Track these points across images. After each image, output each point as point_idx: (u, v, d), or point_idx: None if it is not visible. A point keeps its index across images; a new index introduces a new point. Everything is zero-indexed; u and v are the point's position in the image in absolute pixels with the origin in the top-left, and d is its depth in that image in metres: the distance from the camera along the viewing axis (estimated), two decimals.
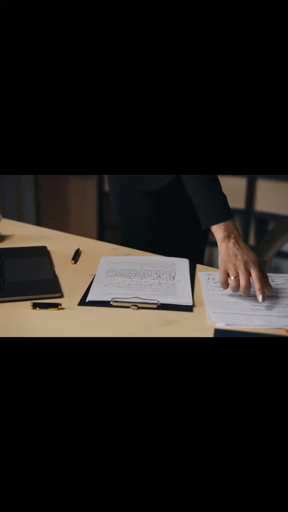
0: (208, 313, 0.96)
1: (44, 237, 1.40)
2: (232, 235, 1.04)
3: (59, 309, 0.98)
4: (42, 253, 1.24)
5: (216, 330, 0.88)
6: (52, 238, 1.40)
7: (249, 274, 0.99)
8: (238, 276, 0.99)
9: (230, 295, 1.03)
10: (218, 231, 1.05)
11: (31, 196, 3.04)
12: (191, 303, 1.00)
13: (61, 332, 0.90)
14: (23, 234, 1.42)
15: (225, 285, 1.01)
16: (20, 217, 2.92)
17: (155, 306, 0.99)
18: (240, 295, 1.01)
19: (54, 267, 1.19)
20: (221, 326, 0.91)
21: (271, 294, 1.03)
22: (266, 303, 0.99)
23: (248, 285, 0.98)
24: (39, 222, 3.10)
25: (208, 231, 1.44)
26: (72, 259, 1.22)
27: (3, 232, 1.40)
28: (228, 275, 1.01)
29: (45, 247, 1.28)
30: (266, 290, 1.00)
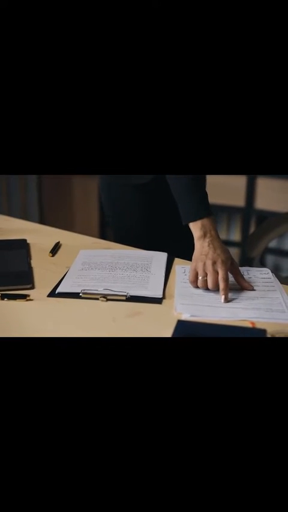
0: (175, 305, 0.95)
1: (28, 230, 1.40)
2: (208, 235, 1.03)
3: (27, 300, 0.98)
4: (20, 246, 1.24)
5: (179, 322, 0.88)
6: (37, 232, 1.40)
7: (217, 274, 0.98)
8: (207, 276, 0.99)
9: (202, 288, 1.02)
10: (194, 229, 1.05)
11: (35, 195, 3.06)
12: (160, 296, 1.00)
13: (26, 323, 0.91)
14: (9, 228, 1.43)
15: (194, 284, 1.01)
16: (25, 216, 2.94)
17: (124, 298, 0.98)
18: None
19: (31, 259, 1.19)
20: (186, 317, 0.90)
21: (237, 288, 1.02)
22: (234, 296, 0.98)
23: (214, 286, 0.98)
24: (42, 221, 3.11)
25: None
26: (50, 252, 1.23)
27: None
28: (197, 274, 1.01)
29: (25, 240, 1.28)
30: (248, 288, 1.01)
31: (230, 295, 0.98)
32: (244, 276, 1.06)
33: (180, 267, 1.13)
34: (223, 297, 0.96)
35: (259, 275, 1.08)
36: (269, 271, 1.10)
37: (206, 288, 1.00)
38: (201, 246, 1.03)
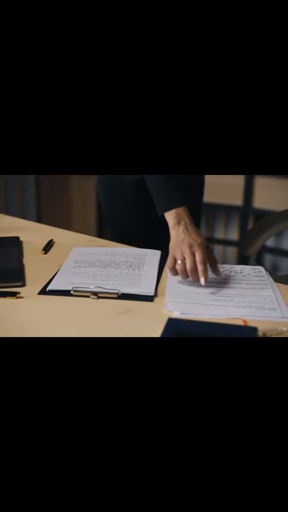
0: (165, 303, 0.94)
1: (23, 228, 1.40)
2: (182, 222, 1.05)
3: (18, 297, 0.97)
4: (13, 243, 1.23)
5: (169, 320, 0.87)
6: (31, 230, 1.39)
7: (195, 257, 0.99)
8: (185, 260, 1.00)
9: (194, 285, 1.00)
10: (169, 218, 1.07)
11: (33, 194, 3.04)
12: (152, 293, 0.99)
13: (15, 321, 0.90)
14: (3, 225, 1.42)
15: (173, 271, 1.01)
16: (22, 215, 2.93)
17: (116, 295, 0.97)
18: (203, 286, 0.99)
19: (23, 257, 1.18)
20: (176, 314, 0.89)
21: (220, 281, 1.02)
22: (227, 293, 0.97)
23: (194, 268, 0.98)
24: (40, 219, 3.10)
25: (197, 223, 1.43)
26: (42, 249, 1.22)
27: None
28: (175, 261, 1.01)
29: (17, 238, 1.27)
30: (217, 275, 1.03)
31: (221, 292, 0.97)
32: (238, 275, 1.05)
33: None
34: (202, 279, 0.97)
35: (253, 273, 1.07)
36: (263, 269, 1.09)
37: (190, 278, 1.00)
38: (177, 234, 1.04)
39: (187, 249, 0.99)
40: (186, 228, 1.03)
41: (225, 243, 2.93)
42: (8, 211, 2.85)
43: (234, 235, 2.90)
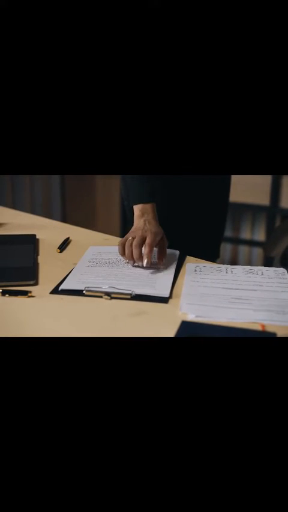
0: (180, 305, 0.90)
1: (41, 226, 1.38)
2: (146, 215, 1.11)
3: (29, 296, 0.94)
4: (29, 241, 1.21)
5: (183, 323, 0.82)
6: (49, 228, 1.37)
7: (144, 240, 1.05)
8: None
9: (211, 287, 0.96)
10: (135, 210, 1.13)
11: (57, 193, 3.04)
12: (167, 295, 0.95)
13: (25, 320, 0.87)
14: (19, 223, 1.41)
15: (121, 247, 1.08)
16: (48, 214, 2.92)
17: (129, 296, 0.94)
18: (222, 288, 0.95)
19: (38, 255, 1.16)
20: (191, 317, 0.85)
21: (239, 283, 0.98)
22: (245, 296, 0.92)
23: (138, 245, 1.04)
24: (65, 219, 3.10)
25: (223, 222, 1.46)
26: (58, 248, 1.19)
27: None
28: (127, 239, 1.08)
29: (34, 236, 1.25)
30: (157, 263, 1.07)
31: (240, 294, 0.92)
32: (259, 277, 1.01)
33: (192, 265, 1.08)
34: (145, 260, 1.03)
35: (274, 275, 1.02)
36: (285, 271, 1.04)
37: (216, 285, 0.95)
38: (137, 223, 1.11)
39: (140, 232, 1.07)
40: (147, 220, 1.10)
41: (252, 243, 2.86)
42: (33, 211, 2.85)
43: (260, 235, 2.83)
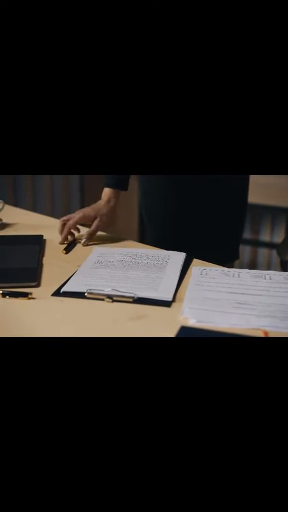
0: (182, 309, 0.87)
1: (48, 226, 1.36)
2: (112, 201, 1.27)
3: (30, 298, 0.93)
4: (35, 241, 1.20)
5: (182, 328, 0.80)
6: (55, 228, 1.36)
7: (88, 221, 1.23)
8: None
9: (215, 291, 0.93)
10: (105, 192, 1.28)
11: (77, 196, 3.04)
12: (170, 298, 0.92)
13: (24, 322, 0.86)
14: (27, 223, 1.39)
15: (62, 221, 1.24)
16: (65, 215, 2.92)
17: (131, 299, 0.92)
18: (227, 292, 0.92)
19: (43, 256, 1.14)
20: (192, 322, 0.82)
21: (245, 287, 0.94)
22: (250, 301, 0.89)
23: (72, 220, 1.22)
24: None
25: (241, 222, 1.43)
26: (64, 249, 1.18)
27: (7, 220, 1.38)
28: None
29: (41, 236, 1.24)
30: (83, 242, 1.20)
31: (244, 299, 0.89)
32: (266, 281, 0.97)
33: (198, 268, 1.05)
34: (85, 240, 1.21)
35: (283, 280, 0.99)
36: None
37: (219, 290, 0.92)
38: (101, 204, 1.26)
39: (92, 212, 1.24)
40: (112, 207, 1.26)
41: (271, 245, 2.81)
42: (53, 214, 2.86)
43: (280, 237, 2.78)
